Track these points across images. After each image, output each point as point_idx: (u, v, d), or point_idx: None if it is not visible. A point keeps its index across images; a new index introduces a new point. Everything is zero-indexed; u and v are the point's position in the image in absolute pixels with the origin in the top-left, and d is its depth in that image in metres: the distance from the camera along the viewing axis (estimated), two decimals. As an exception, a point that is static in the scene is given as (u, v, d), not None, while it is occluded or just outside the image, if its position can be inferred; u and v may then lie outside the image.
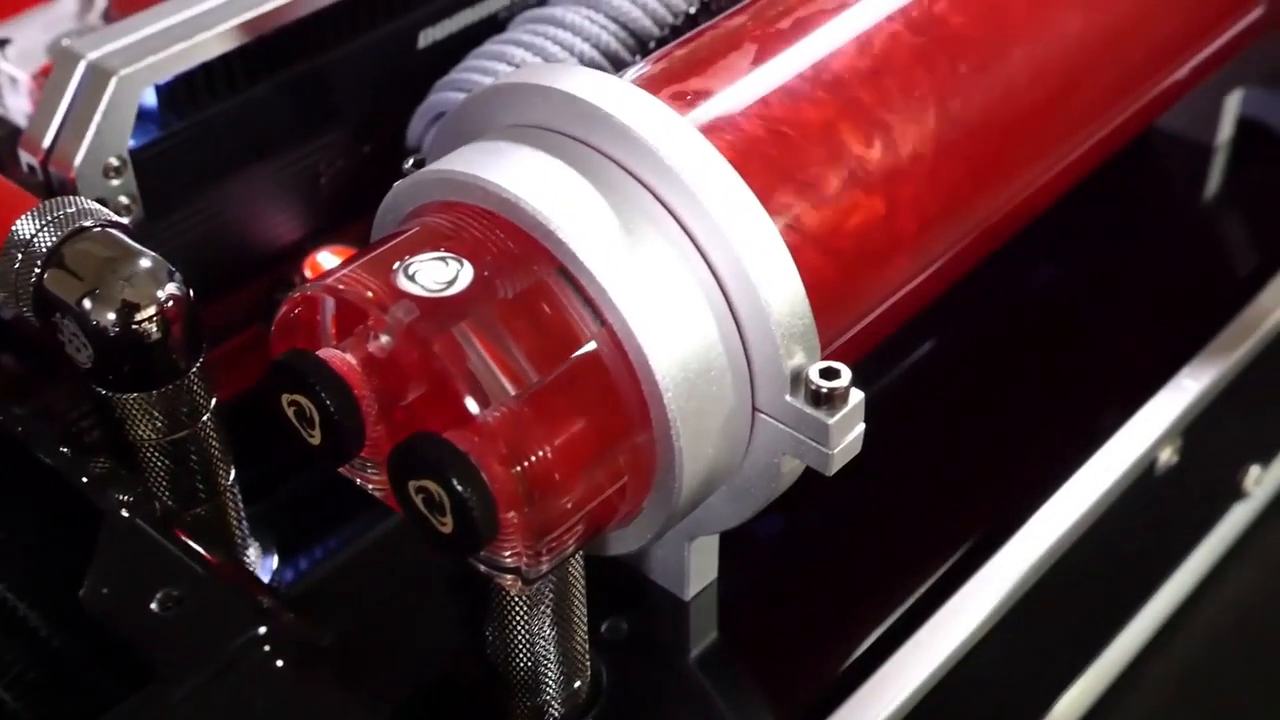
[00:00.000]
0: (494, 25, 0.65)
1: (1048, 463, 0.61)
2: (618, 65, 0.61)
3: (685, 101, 0.48)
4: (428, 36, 0.63)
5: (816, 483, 0.48)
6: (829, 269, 0.48)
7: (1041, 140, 0.56)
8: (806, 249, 0.47)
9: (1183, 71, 0.65)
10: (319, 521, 0.58)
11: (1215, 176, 0.74)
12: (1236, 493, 0.73)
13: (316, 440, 0.44)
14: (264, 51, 0.58)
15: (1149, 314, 0.67)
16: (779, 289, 0.45)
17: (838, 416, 0.45)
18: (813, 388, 0.45)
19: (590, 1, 0.62)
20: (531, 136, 0.47)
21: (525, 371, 0.43)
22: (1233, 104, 0.72)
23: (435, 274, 0.44)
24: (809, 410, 0.45)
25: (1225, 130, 0.73)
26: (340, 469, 0.46)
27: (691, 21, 0.62)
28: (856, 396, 0.45)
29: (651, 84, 0.49)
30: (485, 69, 0.60)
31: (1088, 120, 0.59)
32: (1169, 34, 0.63)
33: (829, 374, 0.45)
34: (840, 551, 0.59)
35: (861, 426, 0.46)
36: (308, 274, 0.62)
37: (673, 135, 0.45)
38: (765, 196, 0.46)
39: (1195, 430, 0.63)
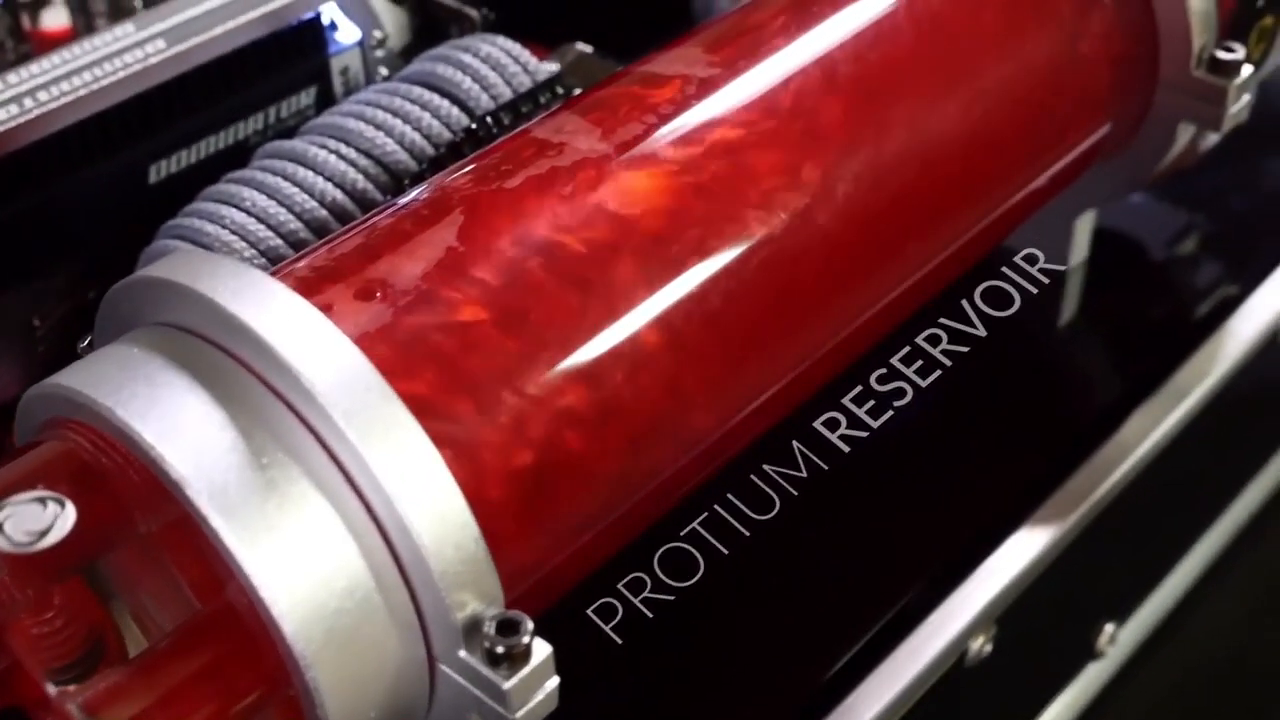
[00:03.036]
0: (242, 153, 0.58)
1: (849, 652, 0.55)
2: (367, 207, 0.54)
3: (359, 294, 0.41)
4: (160, 170, 0.56)
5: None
6: (515, 498, 0.41)
7: (824, 312, 0.50)
8: (486, 479, 0.40)
9: (1025, 193, 0.58)
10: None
11: (1068, 304, 0.66)
12: (1090, 652, 0.66)
13: (-84, 700, 0.38)
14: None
15: (975, 470, 0.60)
16: (442, 531, 0.38)
17: (517, 678, 0.38)
18: (487, 645, 0.38)
19: (340, 133, 0.55)
20: (169, 342, 0.40)
21: (131, 636, 0.37)
22: (1085, 226, 0.65)
23: (29, 521, 0.37)
24: (484, 670, 0.38)
25: (1078, 254, 0.66)
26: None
27: (456, 151, 0.56)
28: (543, 652, 0.38)
29: (334, 265, 0.43)
30: (210, 213, 0.53)
31: (898, 269, 0.52)
32: (1007, 160, 0.57)
33: (507, 627, 0.38)
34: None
35: (554, 682, 0.39)
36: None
37: (318, 349, 0.38)
38: (432, 420, 0.39)
39: (1012, 615, 0.56)
